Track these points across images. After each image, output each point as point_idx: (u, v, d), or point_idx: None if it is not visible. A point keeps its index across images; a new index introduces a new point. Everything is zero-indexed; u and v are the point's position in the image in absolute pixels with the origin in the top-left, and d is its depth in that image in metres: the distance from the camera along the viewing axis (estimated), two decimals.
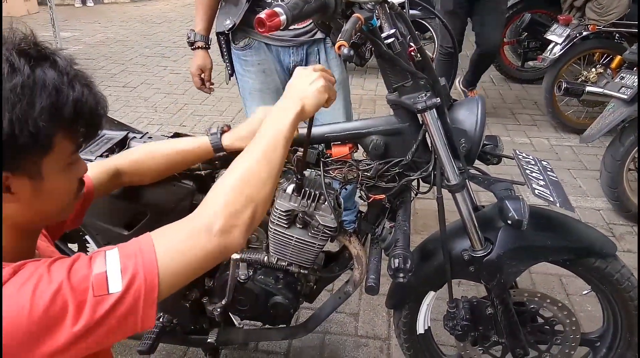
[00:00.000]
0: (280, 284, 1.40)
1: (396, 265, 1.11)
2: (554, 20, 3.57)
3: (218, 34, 1.88)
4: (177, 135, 1.50)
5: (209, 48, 1.92)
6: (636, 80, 2.35)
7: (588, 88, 3.06)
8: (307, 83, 0.94)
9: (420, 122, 1.21)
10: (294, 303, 1.42)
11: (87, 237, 1.53)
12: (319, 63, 1.87)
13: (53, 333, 0.63)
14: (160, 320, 1.48)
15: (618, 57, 3.29)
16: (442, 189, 1.20)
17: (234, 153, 1.05)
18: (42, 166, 0.71)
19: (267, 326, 1.55)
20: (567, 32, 3.30)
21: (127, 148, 1.41)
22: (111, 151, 1.40)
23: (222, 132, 1.21)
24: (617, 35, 3.44)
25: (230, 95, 4.38)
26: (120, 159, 1.18)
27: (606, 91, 2.57)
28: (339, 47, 0.83)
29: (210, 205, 0.78)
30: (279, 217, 1.27)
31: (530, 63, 4.42)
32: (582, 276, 1.38)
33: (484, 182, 1.26)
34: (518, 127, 3.77)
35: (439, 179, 1.19)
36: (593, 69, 3.40)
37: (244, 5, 1.73)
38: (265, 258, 1.35)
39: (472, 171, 1.24)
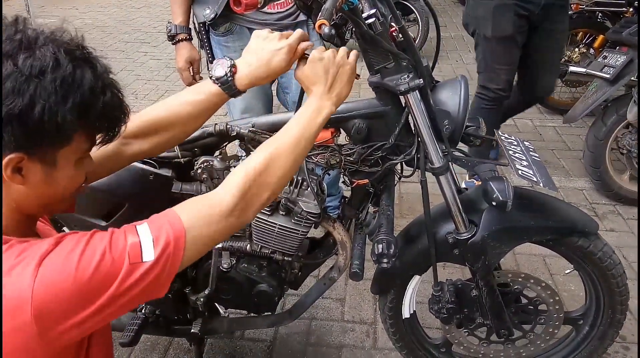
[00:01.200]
0: (264, 272, 1.39)
1: (380, 250, 1.10)
2: None
3: (199, 24, 1.82)
4: None
5: (191, 39, 1.86)
6: (619, 59, 2.35)
7: (571, 68, 3.07)
8: (331, 72, 0.97)
9: (403, 105, 1.19)
10: (278, 291, 1.40)
11: (65, 228, 1.50)
12: None
13: (93, 299, 0.70)
14: (143, 311, 1.46)
15: (601, 37, 3.30)
16: (426, 172, 1.19)
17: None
18: (57, 156, 0.75)
19: (252, 314, 1.54)
20: None
21: None
22: None
23: (233, 74, 0.99)
24: (599, 14, 3.43)
25: None
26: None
27: (589, 71, 2.56)
28: (320, 27, 0.80)
29: (234, 186, 0.85)
30: None
31: None
32: (565, 255, 1.38)
33: (467, 164, 1.24)
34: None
35: (422, 163, 1.18)
36: (576, 49, 3.41)
37: None
38: (248, 246, 1.33)
39: (456, 153, 1.23)
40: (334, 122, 1.24)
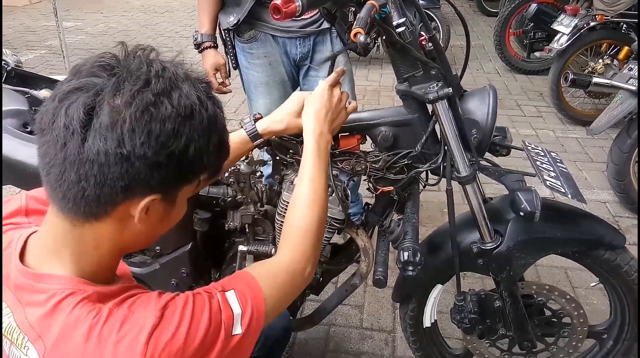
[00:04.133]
0: None
1: (405, 258, 1.10)
2: (561, 11, 3.53)
3: (223, 30, 1.86)
4: None
5: (217, 47, 1.90)
6: None
7: (595, 79, 3.03)
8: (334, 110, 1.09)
9: (430, 113, 1.19)
10: (300, 295, 1.41)
11: None
12: (325, 53, 1.85)
13: None
14: None
15: (625, 48, 3.26)
16: (452, 181, 1.19)
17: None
18: (178, 194, 0.73)
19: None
20: (575, 23, 3.26)
21: None
22: None
23: (256, 119, 1.16)
24: (624, 26, 3.40)
25: (234, 86, 4.34)
26: None
27: (614, 83, 2.54)
28: (355, 35, 0.81)
29: (300, 249, 0.91)
30: (286, 209, 1.26)
31: (537, 54, 4.38)
32: (591, 268, 1.37)
33: (494, 174, 1.24)
34: (523, 119, 3.75)
35: (448, 171, 1.18)
36: (600, 60, 3.37)
37: (249, 3, 1.71)
38: (273, 250, 1.34)
39: (482, 162, 1.23)
40: (361, 130, 1.25)
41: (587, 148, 3.30)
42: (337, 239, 1.52)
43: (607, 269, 1.31)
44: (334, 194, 1.25)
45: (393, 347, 1.84)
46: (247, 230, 1.39)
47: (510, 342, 1.45)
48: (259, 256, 1.38)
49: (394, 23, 1.05)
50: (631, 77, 2.40)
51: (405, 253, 1.10)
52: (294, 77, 1.94)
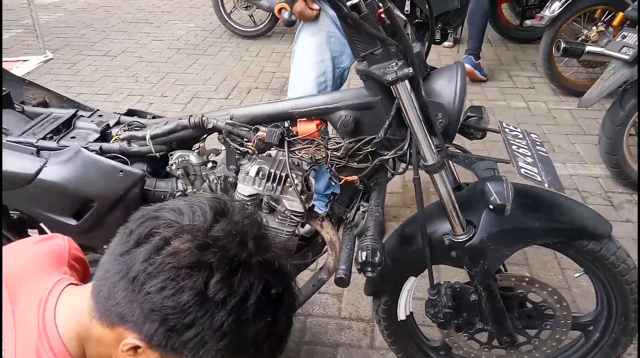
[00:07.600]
0: None
1: (364, 258, 0.99)
2: None
3: None
4: (130, 112, 1.38)
5: None
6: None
7: (588, 48, 2.87)
8: None
9: (394, 94, 1.07)
10: None
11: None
12: None
13: None
14: None
15: (620, 14, 3.10)
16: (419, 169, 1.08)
17: None
18: None
19: None
20: None
21: (72, 129, 1.28)
22: (57, 131, 1.27)
23: None
24: None
25: (215, 62, 4.20)
26: None
27: (607, 51, 2.39)
28: (279, 11, 0.69)
29: None
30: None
31: (529, 22, 4.20)
32: (575, 258, 1.27)
33: (464, 161, 1.13)
34: (515, 91, 3.60)
35: (414, 159, 1.07)
36: (594, 28, 3.21)
37: None
38: None
39: (451, 148, 1.11)
40: (319, 114, 1.13)
41: (580, 120, 3.17)
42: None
43: (591, 260, 1.22)
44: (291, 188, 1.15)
45: (372, 337, 1.76)
46: None
47: (489, 335, 1.37)
48: None
49: None
50: (624, 46, 2.25)
51: (364, 253, 0.99)
52: None
